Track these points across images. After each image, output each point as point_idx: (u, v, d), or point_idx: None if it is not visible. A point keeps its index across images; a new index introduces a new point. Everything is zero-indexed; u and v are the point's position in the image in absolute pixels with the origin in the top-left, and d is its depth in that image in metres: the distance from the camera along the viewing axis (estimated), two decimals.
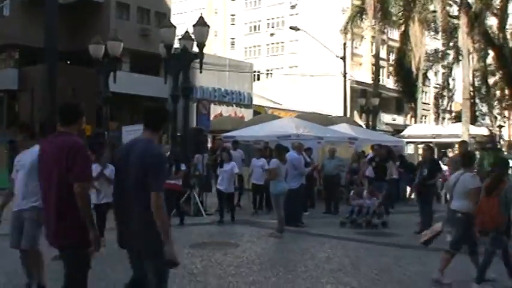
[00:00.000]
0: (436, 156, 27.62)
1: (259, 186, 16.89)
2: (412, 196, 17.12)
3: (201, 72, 18.29)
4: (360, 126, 33.63)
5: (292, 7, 66.15)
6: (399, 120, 67.42)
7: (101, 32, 31.93)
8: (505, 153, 32.68)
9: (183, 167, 14.58)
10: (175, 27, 17.78)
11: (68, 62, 45.55)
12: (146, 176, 4.88)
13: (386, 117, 65.76)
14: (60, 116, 5.37)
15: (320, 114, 31.73)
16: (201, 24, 17.19)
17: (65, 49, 47.04)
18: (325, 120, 27.14)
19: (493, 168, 12.50)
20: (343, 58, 39.04)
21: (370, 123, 37.93)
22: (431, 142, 31.61)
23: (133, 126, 22.48)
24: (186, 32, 18.32)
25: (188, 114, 18.19)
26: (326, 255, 10.75)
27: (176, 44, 19.76)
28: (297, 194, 14.69)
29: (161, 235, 4.82)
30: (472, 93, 43.18)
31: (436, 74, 68.45)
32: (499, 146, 32.84)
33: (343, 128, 23.41)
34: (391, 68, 61.42)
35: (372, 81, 46.62)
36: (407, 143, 31.42)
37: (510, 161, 11.52)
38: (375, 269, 9.71)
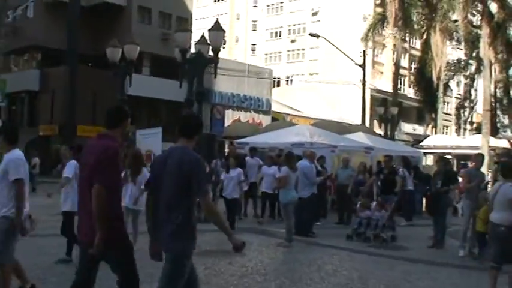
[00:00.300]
0: (455, 168, 27.49)
1: (269, 195, 16.60)
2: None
3: (215, 77, 18.17)
4: (378, 135, 33.30)
5: (314, 14, 65.93)
6: (420, 130, 66.84)
7: (122, 35, 31.99)
8: None
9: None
10: (191, 31, 17.84)
11: (90, 65, 45.84)
12: (188, 181, 5.11)
13: (407, 127, 65.26)
14: (105, 119, 5.54)
15: (336, 122, 31.52)
16: (217, 28, 17.02)
17: (87, 52, 47.49)
18: (341, 129, 26.89)
19: None
20: (363, 66, 38.69)
21: (389, 132, 37.49)
22: (450, 153, 31.36)
23: (148, 130, 22.41)
24: (202, 36, 18.19)
25: (201, 118, 18.02)
26: (334, 268, 10.53)
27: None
28: (307, 203, 14.45)
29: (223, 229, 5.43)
30: (493, 105, 42.61)
31: (458, 84, 67.81)
32: None
33: (359, 137, 23.09)
34: (412, 77, 60.84)
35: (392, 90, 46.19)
36: (426, 153, 30.99)
37: None
38: (383, 284, 9.46)
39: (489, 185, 14.34)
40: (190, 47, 18.58)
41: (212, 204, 5.37)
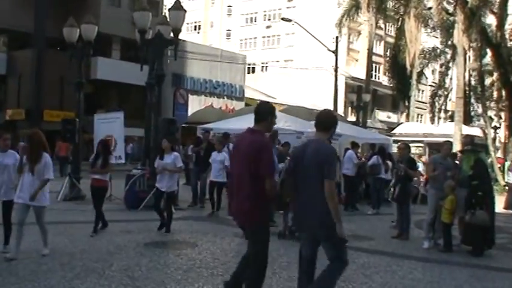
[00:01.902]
0: (427, 156, 27.03)
1: (217, 183, 15.34)
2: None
3: (175, 59, 17.32)
4: (351, 122, 32.76)
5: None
6: (394, 118, 66.66)
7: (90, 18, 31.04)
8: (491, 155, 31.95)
9: (113, 159, 13.09)
10: (149, 11, 16.83)
11: (58, 49, 44.69)
12: (321, 169, 5.87)
13: (381, 115, 65.08)
14: (254, 115, 6.42)
15: (306, 108, 30.83)
16: (177, 8, 16.22)
17: (55, 36, 46.29)
18: (311, 115, 26.12)
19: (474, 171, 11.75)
20: (335, 52, 38.07)
21: (361, 119, 37.02)
22: (422, 141, 30.92)
23: (107, 115, 21.57)
24: (164, 16, 17.40)
25: (161, 103, 17.29)
26: (288, 260, 9.83)
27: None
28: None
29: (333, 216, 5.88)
30: (467, 93, 42.30)
31: (433, 72, 67.60)
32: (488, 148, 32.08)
33: None
34: (387, 65, 60.54)
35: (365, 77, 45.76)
36: (397, 141, 30.47)
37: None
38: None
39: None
40: (150, 28, 17.69)
41: (333, 191, 5.91)
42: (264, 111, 6.41)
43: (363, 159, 20.63)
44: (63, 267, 8.44)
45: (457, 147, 23.83)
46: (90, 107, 38.76)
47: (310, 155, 6.02)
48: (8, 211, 9.27)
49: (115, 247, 10.23)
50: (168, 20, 16.56)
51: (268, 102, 7.14)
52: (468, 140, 13.79)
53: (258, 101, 44.69)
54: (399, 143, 14.70)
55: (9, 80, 46.50)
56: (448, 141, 14.27)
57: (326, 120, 6.27)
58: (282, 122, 19.32)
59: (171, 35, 16.72)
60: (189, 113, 37.12)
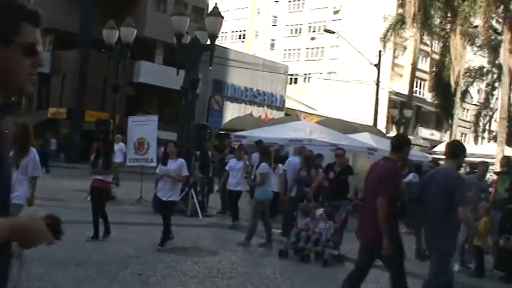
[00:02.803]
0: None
1: (234, 193, 14.87)
2: None
3: (210, 65, 17.20)
4: (389, 137, 32.23)
5: (335, 12, 64.84)
6: (437, 136, 65.58)
7: (136, 23, 31.34)
8: None
9: (116, 158, 12.55)
10: (187, 15, 16.77)
11: (103, 51, 45.22)
12: (451, 195, 6.33)
13: (424, 132, 64.12)
14: (391, 145, 6.89)
15: (343, 121, 30.46)
16: (215, 14, 16.13)
17: (100, 37, 46.87)
18: (348, 128, 25.88)
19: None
20: (378, 66, 37.61)
21: None
22: (464, 161, 30.26)
23: (142, 118, 21.61)
24: (204, 22, 17.37)
25: (194, 107, 17.20)
26: (309, 277, 9.57)
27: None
28: (297, 202, 13.57)
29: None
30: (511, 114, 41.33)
31: (479, 91, 66.34)
32: None
33: (364, 138, 22.10)
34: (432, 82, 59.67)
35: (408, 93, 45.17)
36: (438, 159, 29.90)
37: None
38: None
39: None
40: (188, 33, 17.64)
41: (467, 215, 6.53)
42: (401, 143, 6.90)
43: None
44: (78, 268, 8.33)
45: (497, 168, 23.20)
46: (132, 109, 39.11)
47: (439, 182, 6.54)
48: None
49: (134, 250, 10.10)
50: (206, 26, 16.47)
51: (405, 135, 7.59)
52: (504, 161, 13.32)
53: (298, 112, 44.62)
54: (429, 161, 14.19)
55: (53, 79, 47.08)
56: (485, 161, 13.77)
57: (455, 150, 6.85)
58: (317, 134, 19.10)
59: (209, 41, 16.66)
60: (228, 119, 37.13)
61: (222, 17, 16.29)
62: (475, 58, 52.90)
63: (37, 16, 2.12)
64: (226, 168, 15.09)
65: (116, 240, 10.88)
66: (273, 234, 12.07)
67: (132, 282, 7.85)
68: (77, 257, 9.06)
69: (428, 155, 28.69)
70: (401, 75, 62.71)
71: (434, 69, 57.13)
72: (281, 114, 49.30)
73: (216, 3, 16.65)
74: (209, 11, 17.46)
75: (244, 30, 74.70)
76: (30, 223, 2.08)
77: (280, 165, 15.58)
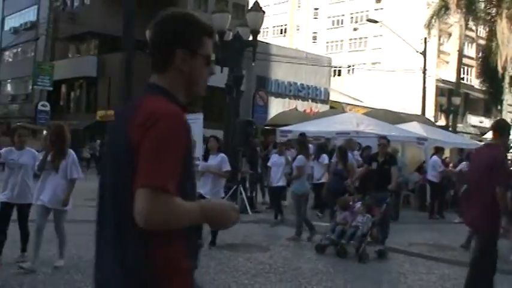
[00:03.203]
0: None
1: (275, 189, 14.60)
2: None
3: (253, 61, 17.16)
4: (439, 127, 31.79)
5: (378, 1, 64.09)
6: (487, 123, 64.31)
7: None
8: None
9: None
10: (228, 12, 16.79)
11: (147, 52, 45.54)
12: (490, 171, 6.40)
13: (473, 120, 62.94)
14: (492, 131, 6.97)
15: (390, 111, 30.08)
16: (256, 9, 16.10)
17: (144, 39, 47.08)
18: (396, 118, 25.57)
19: None
20: (424, 54, 37.05)
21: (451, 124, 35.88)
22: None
23: (189, 116, 21.65)
24: (245, 18, 17.38)
25: (238, 104, 17.20)
26: (362, 272, 9.45)
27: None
28: (336, 196, 13.46)
29: None
30: None
31: None
32: None
33: (413, 127, 21.77)
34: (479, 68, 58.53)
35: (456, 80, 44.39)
36: None
37: None
38: None
39: None
40: (230, 30, 17.66)
41: (503, 196, 6.47)
42: (503, 128, 6.88)
43: (451, 165, 19.85)
44: None
45: None
46: None
47: (484, 160, 6.62)
48: (24, 217, 8.44)
49: None
50: (247, 21, 16.45)
51: (504, 119, 8.06)
52: None
53: (343, 104, 44.39)
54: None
55: (100, 82, 47.82)
56: None
57: (502, 127, 6.89)
58: (364, 126, 18.93)
59: (251, 37, 16.63)
60: (273, 115, 37.09)
61: (263, 12, 16.25)
62: None
63: (212, 30, 2.51)
64: (268, 164, 14.92)
65: None
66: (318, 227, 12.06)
67: None
68: None
69: (478, 142, 28.09)
70: (447, 62, 61.67)
71: (480, 55, 56.05)
72: (326, 107, 49.03)
73: (256, 0, 16.52)
74: (250, 7, 17.44)
75: (286, 25, 74.45)
76: (223, 205, 2.29)
77: (324, 154, 15.49)
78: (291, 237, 11.73)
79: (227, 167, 10.55)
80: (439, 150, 18.33)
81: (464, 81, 57.68)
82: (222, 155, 10.68)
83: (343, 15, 68.66)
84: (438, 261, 10.43)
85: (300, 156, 12.17)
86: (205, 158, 10.83)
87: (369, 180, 12.00)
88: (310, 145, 16.14)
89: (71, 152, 8.16)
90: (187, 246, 2.26)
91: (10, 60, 61.77)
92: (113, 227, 2.23)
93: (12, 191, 8.24)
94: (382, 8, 62.24)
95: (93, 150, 34.80)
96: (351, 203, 11.05)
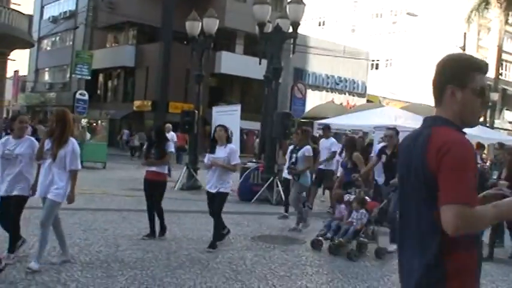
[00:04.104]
0: None
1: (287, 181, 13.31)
2: None
3: (293, 53, 17.13)
4: None
5: None
6: None
7: (216, 14, 31.78)
8: None
9: (170, 147, 10.22)
10: (268, 4, 16.79)
11: (185, 43, 45.91)
12: None
13: (510, 116, 62.05)
14: None
15: (429, 106, 29.68)
16: (297, 1, 16.04)
17: (182, 29, 47.48)
18: (434, 113, 25.25)
19: None
20: (463, 48, 36.60)
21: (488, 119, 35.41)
22: None
23: (225, 107, 21.79)
24: (285, 10, 17.35)
25: (277, 96, 17.21)
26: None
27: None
28: (344, 188, 13.37)
29: None
30: None
31: None
32: None
33: None
34: None
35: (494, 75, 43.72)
36: None
37: None
38: None
39: None
40: (270, 22, 17.67)
41: None
42: None
43: (489, 161, 19.59)
44: (169, 256, 8.48)
45: None
46: (214, 99, 39.60)
47: None
48: (14, 211, 7.54)
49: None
50: (288, 13, 16.42)
51: None
52: None
53: (381, 98, 44.06)
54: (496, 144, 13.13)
55: (137, 72, 48.25)
56: None
57: None
58: (402, 120, 18.76)
59: (291, 29, 16.61)
60: (310, 108, 36.99)
61: (304, 4, 16.19)
62: None
63: (482, 66, 2.83)
64: (286, 156, 13.77)
65: (204, 229, 11.00)
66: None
67: (222, 270, 7.93)
68: (168, 246, 9.24)
69: None
70: (486, 57, 60.70)
71: None
72: (363, 100, 48.85)
73: None
74: None
75: (324, 17, 74.08)
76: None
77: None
78: (295, 228, 11.81)
79: (236, 160, 9.63)
80: (479, 147, 18.06)
81: (502, 77, 56.80)
82: (232, 145, 9.75)
83: (382, 8, 68.06)
84: None
85: (307, 147, 11.90)
86: (212, 149, 9.69)
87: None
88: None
89: (72, 140, 7.43)
90: (473, 250, 2.72)
91: (48, 48, 62.62)
92: (417, 232, 2.74)
93: (8, 183, 7.46)
94: (421, 2, 61.50)
95: (141, 139, 35.45)
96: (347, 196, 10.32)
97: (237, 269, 8.07)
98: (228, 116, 18.94)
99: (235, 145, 17.18)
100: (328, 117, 23.29)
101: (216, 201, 9.41)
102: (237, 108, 19.32)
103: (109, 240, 9.28)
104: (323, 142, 15.93)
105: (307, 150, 11.82)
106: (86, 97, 31.69)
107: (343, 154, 13.07)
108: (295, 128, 16.37)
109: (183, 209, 13.93)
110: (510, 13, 41.77)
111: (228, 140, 9.76)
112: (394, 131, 11.24)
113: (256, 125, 35.31)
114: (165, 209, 10.11)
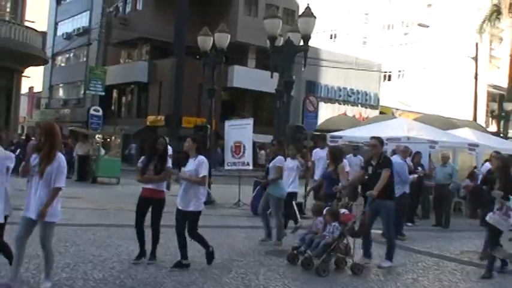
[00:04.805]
0: None
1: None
2: None
3: (304, 66, 17.16)
4: (490, 133, 31.23)
5: (428, 6, 63.41)
6: None
7: (228, 28, 31.95)
8: None
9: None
10: (279, 18, 16.86)
11: (197, 58, 46.11)
12: None
13: None
14: None
15: (442, 117, 29.73)
16: (307, 15, 16.10)
17: (194, 45, 47.80)
18: (447, 124, 25.25)
19: None
20: (476, 59, 36.51)
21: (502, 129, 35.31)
22: None
23: (238, 121, 21.80)
24: (296, 24, 17.42)
25: (289, 109, 17.25)
26: (414, 277, 9.37)
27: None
28: (398, 203, 13.34)
29: None
30: None
31: None
32: None
33: (464, 133, 21.49)
34: None
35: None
36: None
37: None
38: None
39: None
40: (281, 36, 17.75)
41: None
42: None
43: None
44: (182, 272, 8.46)
45: None
46: (227, 113, 39.69)
47: None
48: None
49: (236, 253, 10.21)
50: (299, 26, 16.47)
51: None
52: None
53: (393, 109, 44.15)
54: (494, 154, 12.64)
55: (151, 87, 48.48)
56: None
57: None
58: (415, 131, 18.74)
59: (302, 42, 16.65)
60: (322, 120, 37.00)
61: (315, 17, 16.23)
62: None
63: None
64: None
65: (217, 244, 10.96)
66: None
67: (235, 285, 7.92)
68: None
69: None
70: (498, 67, 60.63)
71: None
72: (376, 112, 48.79)
73: (308, 4, 16.57)
74: (300, 12, 17.45)
75: (336, 29, 74.19)
76: None
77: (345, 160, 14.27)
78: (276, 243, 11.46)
79: (203, 172, 8.73)
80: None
81: None
82: (201, 157, 8.86)
83: (393, 19, 68.13)
84: (481, 267, 10.21)
85: (279, 157, 11.63)
86: (184, 162, 8.98)
87: (367, 186, 10.30)
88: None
89: (60, 156, 6.91)
90: None
91: (63, 65, 63.12)
92: None
93: None
94: (432, 13, 61.53)
95: None
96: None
97: (249, 285, 8.05)
98: (240, 130, 18.98)
99: (249, 159, 17.19)
100: (341, 130, 23.28)
101: (188, 222, 8.75)
102: (250, 122, 19.33)
103: (122, 256, 9.29)
104: (318, 152, 16.05)
105: (279, 160, 11.54)
106: (100, 113, 31.89)
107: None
108: (307, 140, 16.41)
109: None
110: None
111: (199, 151, 8.96)
112: (377, 140, 10.45)
113: (269, 138, 35.35)
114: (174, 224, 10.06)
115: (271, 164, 11.67)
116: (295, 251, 9.56)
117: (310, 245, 9.21)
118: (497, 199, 9.36)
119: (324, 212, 9.73)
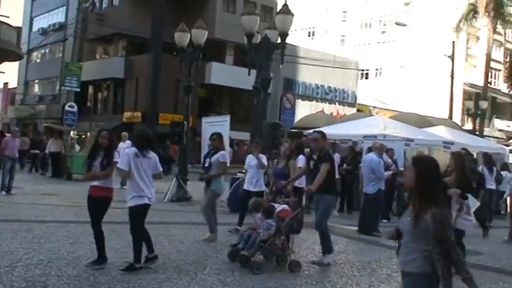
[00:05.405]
0: None
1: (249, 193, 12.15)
2: None
3: (281, 63, 17.13)
4: (465, 130, 31.53)
5: (406, 4, 63.75)
6: None
7: (206, 24, 31.84)
8: None
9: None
10: (257, 15, 16.83)
11: (174, 54, 45.92)
12: None
13: (500, 124, 62.38)
14: None
15: (417, 115, 29.91)
16: (285, 12, 16.05)
17: (171, 41, 47.50)
18: (422, 122, 25.44)
19: None
20: (452, 57, 36.82)
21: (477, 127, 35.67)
22: None
23: (214, 118, 21.80)
24: (274, 21, 17.39)
25: (266, 107, 17.22)
26: (388, 273, 9.41)
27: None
28: (372, 200, 13.48)
29: None
30: None
31: None
32: None
33: (440, 131, 21.69)
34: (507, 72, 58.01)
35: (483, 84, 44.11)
36: None
37: None
38: None
39: None
40: (258, 33, 17.69)
41: None
42: None
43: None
44: (157, 268, 8.42)
45: None
46: (204, 110, 39.58)
47: None
48: None
49: (212, 250, 10.18)
50: (276, 24, 16.44)
51: None
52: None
53: (371, 107, 44.38)
54: (454, 150, 12.83)
55: (127, 83, 48.20)
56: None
57: None
58: (391, 129, 18.86)
59: (279, 39, 16.62)
60: (299, 118, 37.07)
61: (292, 15, 16.17)
62: None
63: None
64: (245, 166, 13.18)
65: (192, 240, 10.99)
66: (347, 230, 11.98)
67: (211, 282, 7.91)
68: None
69: (505, 146, 27.81)
70: (475, 66, 61.22)
71: (508, 59, 55.60)
72: (353, 110, 48.97)
73: (286, 1, 16.53)
74: (278, 9, 17.41)
75: (313, 27, 74.31)
76: None
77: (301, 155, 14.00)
78: (206, 238, 11.09)
79: (158, 168, 8.79)
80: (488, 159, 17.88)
81: (492, 85, 57.18)
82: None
83: (371, 18, 68.40)
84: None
85: (222, 152, 11.26)
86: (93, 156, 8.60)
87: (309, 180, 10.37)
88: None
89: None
90: None
91: (38, 61, 62.49)
92: None
93: None
94: (410, 11, 61.91)
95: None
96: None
97: (225, 281, 8.04)
98: (217, 127, 18.90)
99: (226, 156, 17.17)
100: (318, 127, 23.30)
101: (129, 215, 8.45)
102: (227, 118, 19.30)
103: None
104: None
105: (222, 155, 11.19)
106: (75, 109, 31.63)
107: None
108: (284, 138, 16.37)
109: (172, 220, 13.91)
110: (498, 22, 42.09)
111: (111, 147, 8.64)
112: (319, 134, 10.20)
113: (246, 135, 35.36)
114: (153, 220, 10.02)
115: (213, 159, 11.14)
116: (234, 248, 9.34)
117: (247, 242, 9.02)
118: (454, 198, 9.17)
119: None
